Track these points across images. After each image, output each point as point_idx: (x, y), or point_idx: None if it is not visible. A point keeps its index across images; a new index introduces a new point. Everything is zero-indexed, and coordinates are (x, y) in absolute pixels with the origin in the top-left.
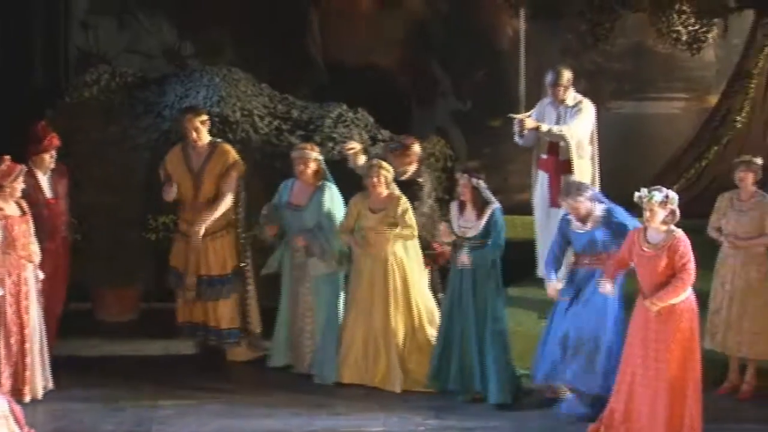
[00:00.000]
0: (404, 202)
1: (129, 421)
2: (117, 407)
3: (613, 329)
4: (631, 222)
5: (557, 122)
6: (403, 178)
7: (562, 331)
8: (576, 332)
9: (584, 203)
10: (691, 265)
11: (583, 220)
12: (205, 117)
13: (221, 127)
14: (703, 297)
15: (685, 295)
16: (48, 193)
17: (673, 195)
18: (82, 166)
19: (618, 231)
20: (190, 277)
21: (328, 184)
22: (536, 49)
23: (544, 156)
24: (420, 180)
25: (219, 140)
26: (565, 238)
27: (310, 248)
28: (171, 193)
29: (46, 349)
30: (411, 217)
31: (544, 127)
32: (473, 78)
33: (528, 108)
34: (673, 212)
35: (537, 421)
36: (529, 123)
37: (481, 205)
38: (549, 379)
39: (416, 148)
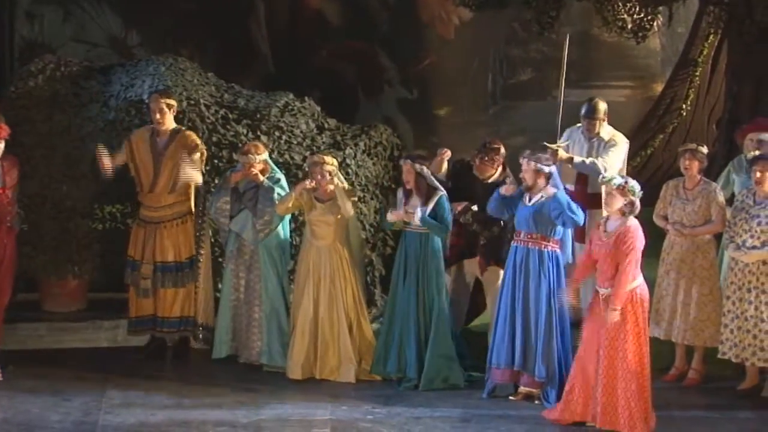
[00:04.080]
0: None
1: (76, 411)
2: (64, 397)
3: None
4: (578, 210)
5: (588, 155)
6: (490, 180)
7: (511, 318)
8: (523, 319)
9: (534, 173)
10: (634, 256)
11: (528, 188)
12: (171, 101)
13: None
14: (649, 284)
15: (636, 284)
16: None
17: (634, 184)
18: (28, 157)
19: (558, 214)
20: (146, 265)
21: (276, 176)
22: (482, 39)
23: (571, 187)
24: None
25: (182, 128)
26: (509, 204)
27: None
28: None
29: None
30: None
31: (577, 159)
32: (419, 67)
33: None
34: (632, 203)
35: (485, 408)
36: (563, 155)
37: (426, 192)
38: (506, 366)
39: (502, 151)
